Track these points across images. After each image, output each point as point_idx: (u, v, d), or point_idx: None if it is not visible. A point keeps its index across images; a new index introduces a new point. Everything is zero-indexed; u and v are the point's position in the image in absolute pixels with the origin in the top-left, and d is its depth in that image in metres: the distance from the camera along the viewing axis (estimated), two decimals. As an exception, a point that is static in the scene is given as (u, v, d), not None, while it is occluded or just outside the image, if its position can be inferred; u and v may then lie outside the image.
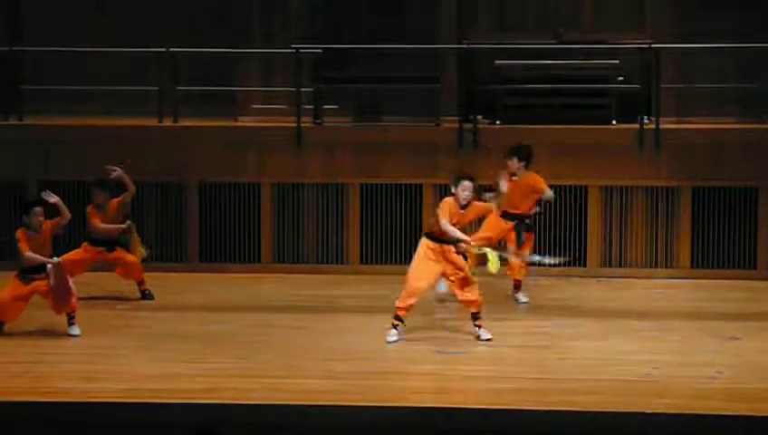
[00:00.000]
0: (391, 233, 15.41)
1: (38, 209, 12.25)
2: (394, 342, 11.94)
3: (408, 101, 15.74)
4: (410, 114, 15.75)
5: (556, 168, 15.05)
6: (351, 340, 12.12)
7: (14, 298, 12.14)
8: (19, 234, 12.16)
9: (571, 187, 15.22)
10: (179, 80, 15.70)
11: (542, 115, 15.34)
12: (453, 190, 12.03)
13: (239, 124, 16.01)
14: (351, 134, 15.55)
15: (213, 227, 15.54)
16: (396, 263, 15.23)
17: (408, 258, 15.13)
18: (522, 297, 13.85)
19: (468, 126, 15.25)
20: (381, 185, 15.37)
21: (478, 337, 12.05)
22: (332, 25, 16.61)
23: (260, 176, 15.43)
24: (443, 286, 12.64)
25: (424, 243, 12.15)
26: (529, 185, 13.51)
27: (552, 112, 15.35)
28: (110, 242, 13.72)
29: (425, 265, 12.03)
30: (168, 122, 15.65)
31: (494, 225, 13.47)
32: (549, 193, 13.57)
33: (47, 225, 12.27)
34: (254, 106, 16.22)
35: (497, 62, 15.55)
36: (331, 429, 9.85)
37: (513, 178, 13.30)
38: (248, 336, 12.22)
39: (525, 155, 13.53)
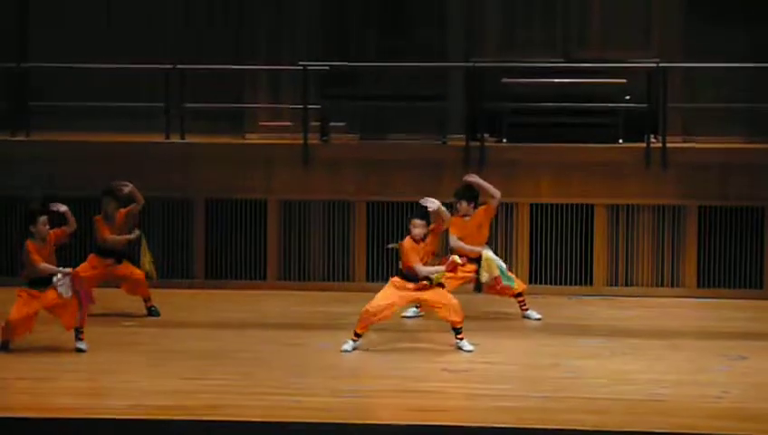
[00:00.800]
0: (397, 251, 15.35)
1: (43, 218, 12.25)
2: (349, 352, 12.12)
3: (414, 119, 15.76)
4: (417, 132, 15.76)
5: (562, 186, 15.08)
6: (356, 358, 12.09)
7: (26, 315, 12.10)
8: (29, 246, 12.15)
9: (577, 205, 15.21)
10: (186, 96, 15.72)
11: (548, 133, 15.33)
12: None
13: (246, 141, 16.02)
14: (358, 151, 15.56)
15: (219, 244, 15.54)
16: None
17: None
18: (534, 314, 13.83)
19: (475, 144, 15.25)
20: (388, 202, 15.36)
21: (459, 348, 12.22)
22: (340, 43, 16.64)
23: (266, 193, 15.45)
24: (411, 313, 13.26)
25: (392, 282, 12.37)
26: (480, 217, 13.65)
27: (558, 131, 15.35)
28: (117, 253, 13.72)
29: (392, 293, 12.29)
30: (174, 139, 15.67)
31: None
32: (497, 193, 13.67)
33: (52, 235, 12.27)
34: (262, 123, 16.24)
35: (504, 80, 15.55)
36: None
37: (466, 218, 13.57)
38: (253, 353, 12.20)
39: (473, 196, 13.71)
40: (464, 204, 13.66)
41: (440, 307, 12.33)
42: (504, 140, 15.47)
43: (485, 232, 13.75)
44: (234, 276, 15.50)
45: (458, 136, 15.50)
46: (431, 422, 10.07)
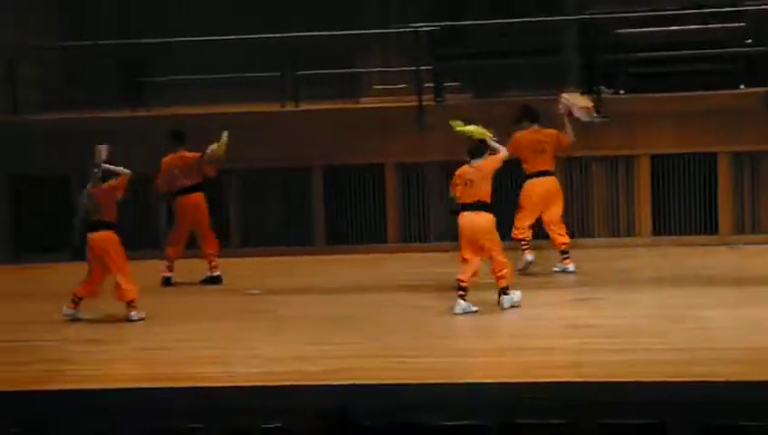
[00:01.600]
0: (515, 209, 15.23)
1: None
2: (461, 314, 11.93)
3: (529, 75, 15.56)
4: (532, 87, 15.56)
5: (683, 135, 14.80)
6: (479, 317, 12.01)
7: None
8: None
9: (699, 154, 14.91)
10: (299, 64, 15.72)
11: (667, 82, 15.03)
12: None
13: (360, 106, 15.99)
14: (473, 110, 15.40)
15: (338, 210, 15.55)
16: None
17: (535, 232, 15.07)
18: (570, 266, 13.61)
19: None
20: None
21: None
22: (450, 1, 16.47)
23: (383, 156, 15.39)
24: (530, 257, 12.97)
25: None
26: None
27: (677, 79, 15.04)
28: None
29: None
30: (289, 107, 15.69)
31: None
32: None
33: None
34: (375, 87, 16.19)
35: (619, 30, 15.27)
36: (463, 407, 9.74)
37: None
38: (376, 317, 12.18)
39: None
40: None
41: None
42: (622, 92, 15.20)
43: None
44: (354, 241, 15.51)
45: (574, 89, 15.25)
46: (562, 379, 9.96)
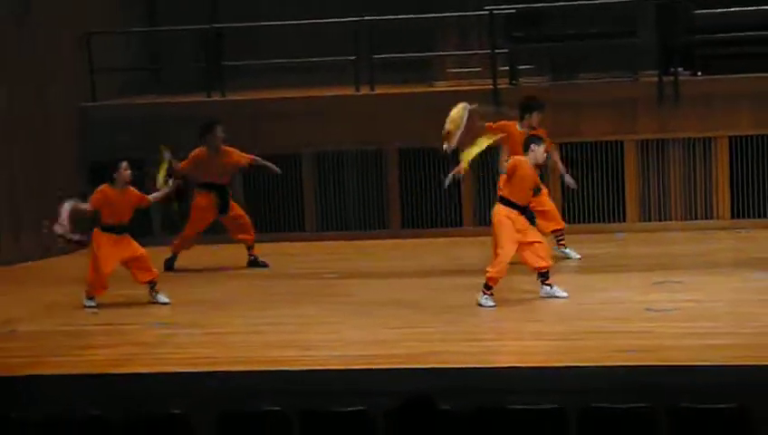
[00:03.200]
0: (593, 191, 15.21)
1: (125, 163, 12.43)
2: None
3: (604, 57, 15.49)
4: (608, 70, 15.49)
5: (763, 117, 14.65)
6: (556, 301, 11.99)
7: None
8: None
9: (779, 135, 14.77)
10: (375, 48, 15.77)
11: (745, 64, 14.88)
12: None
13: (435, 89, 16.00)
14: (549, 93, 15.36)
15: (414, 193, 15.59)
16: (597, 221, 15.12)
17: (609, 217, 15.04)
18: (573, 253, 13.54)
19: (668, 79, 14.91)
20: (581, 143, 15.17)
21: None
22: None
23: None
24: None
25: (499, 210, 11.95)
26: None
27: (755, 60, 14.88)
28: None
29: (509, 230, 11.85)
30: (365, 91, 15.75)
31: None
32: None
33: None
34: (450, 70, 16.19)
35: (697, 11, 15.14)
36: (543, 390, 9.76)
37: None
38: (455, 300, 12.19)
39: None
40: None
41: None
42: (699, 74, 15.08)
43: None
44: (429, 225, 15.54)
45: (651, 72, 15.18)
46: (640, 363, 9.95)
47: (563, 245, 13.61)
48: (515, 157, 12.13)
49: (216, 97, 16.08)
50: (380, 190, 15.67)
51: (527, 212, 12.08)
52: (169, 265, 14.08)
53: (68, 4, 15.83)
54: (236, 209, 14.16)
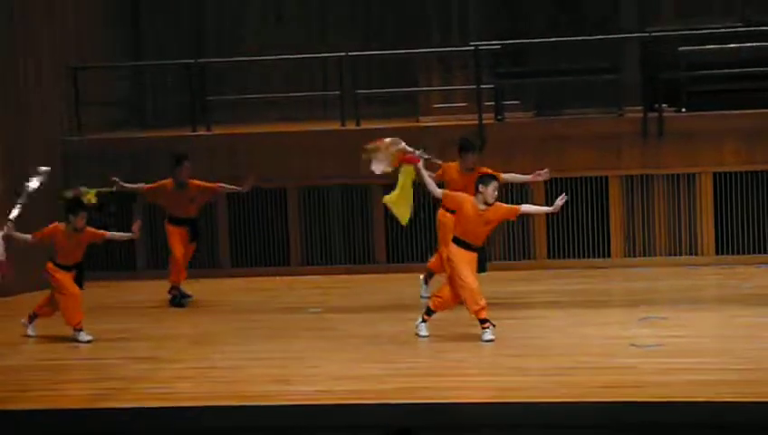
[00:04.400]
0: (577, 226, 15.20)
1: (83, 213, 12.46)
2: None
3: (589, 93, 15.53)
4: (593, 106, 15.53)
5: (746, 153, 14.68)
6: (543, 335, 11.97)
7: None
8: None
9: (762, 172, 14.78)
10: (359, 83, 15.78)
11: (729, 100, 14.93)
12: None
13: (421, 124, 16.00)
14: (534, 129, 15.40)
15: (399, 228, 15.53)
16: (583, 257, 15.10)
17: (594, 253, 15.02)
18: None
19: (653, 115, 14.95)
20: (566, 178, 15.16)
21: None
22: (510, 20, 16.48)
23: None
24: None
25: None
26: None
27: (740, 97, 14.93)
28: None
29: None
30: (350, 126, 15.74)
31: None
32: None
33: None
34: (435, 105, 16.20)
35: (681, 48, 15.19)
36: (527, 425, 9.73)
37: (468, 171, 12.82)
38: (436, 334, 12.13)
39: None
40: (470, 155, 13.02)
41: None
42: (684, 110, 15.12)
43: None
44: (414, 259, 15.50)
45: (635, 108, 15.22)
46: (624, 399, 9.89)
47: None
48: (459, 194, 12.04)
49: (202, 131, 16.05)
50: (366, 225, 15.64)
51: (481, 254, 11.95)
52: (177, 301, 13.98)
53: (53, 36, 15.82)
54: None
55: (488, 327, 11.71)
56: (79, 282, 12.53)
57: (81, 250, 12.57)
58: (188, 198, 13.90)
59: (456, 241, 11.85)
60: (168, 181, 13.92)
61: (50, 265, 12.54)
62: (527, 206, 12.88)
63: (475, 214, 11.74)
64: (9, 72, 15.22)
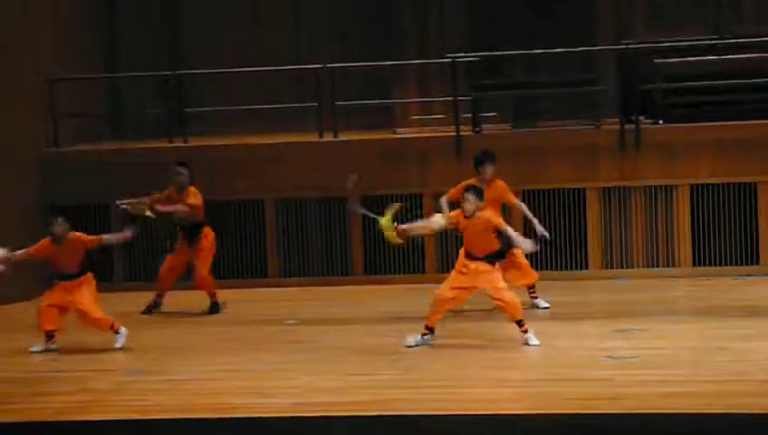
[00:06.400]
0: (554, 238, 15.21)
1: (59, 219, 12.39)
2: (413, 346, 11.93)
3: (566, 105, 15.57)
4: (569, 117, 15.57)
5: (723, 165, 14.75)
6: (519, 347, 11.96)
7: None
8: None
9: (739, 184, 14.84)
10: (337, 94, 15.79)
11: (705, 112, 14.99)
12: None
13: (398, 136, 16.02)
14: (511, 141, 15.43)
15: (378, 240, 15.54)
16: (559, 269, 15.12)
17: (572, 264, 15.05)
18: (542, 303, 13.52)
19: (630, 126, 14.99)
20: (543, 190, 15.20)
21: (526, 342, 11.86)
22: (487, 32, 16.53)
23: (421, 186, 15.40)
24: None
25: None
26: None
27: (716, 109, 15.00)
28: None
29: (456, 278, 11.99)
30: (328, 137, 15.74)
31: None
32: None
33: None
34: (413, 117, 16.23)
35: (657, 60, 15.25)
36: (503, 438, 9.72)
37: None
38: (417, 347, 12.12)
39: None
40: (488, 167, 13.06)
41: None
42: (660, 122, 15.17)
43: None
44: (393, 271, 15.50)
45: (612, 120, 15.27)
46: (600, 411, 9.89)
47: (535, 297, 13.58)
48: (454, 213, 12.15)
49: (179, 143, 16.02)
50: (343, 237, 15.63)
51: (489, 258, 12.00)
52: (215, 309, 14.11)
53: (29, 48, 15.78)
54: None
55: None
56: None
57: (75, 259, 12.49)
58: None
59: (466, 253, 12.03)
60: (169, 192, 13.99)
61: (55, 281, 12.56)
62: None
63: (464, 223, 11.94)
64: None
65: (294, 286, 15.48)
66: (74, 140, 16.50)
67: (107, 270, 15.55)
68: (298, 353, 12.16)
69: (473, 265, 11.93)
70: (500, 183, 13.17)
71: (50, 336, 12.59)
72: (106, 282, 15.38)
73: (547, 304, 13.51)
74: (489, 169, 13.09)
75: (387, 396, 10.49)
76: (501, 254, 12.22)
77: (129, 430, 10.09)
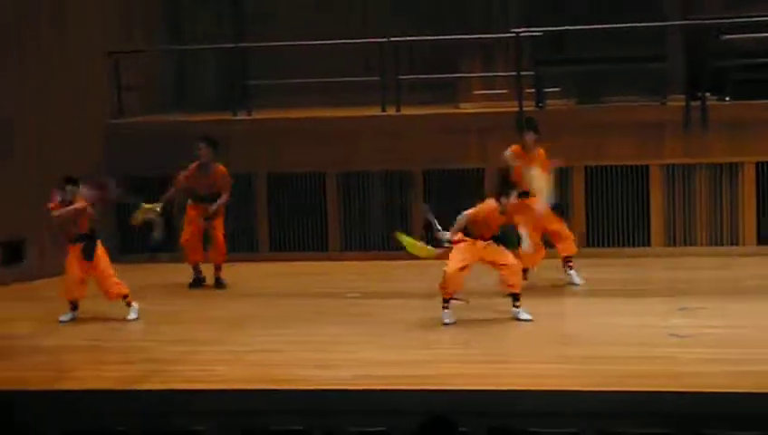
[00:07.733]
0: (617, 215, 15.14)
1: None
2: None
3: (632, 81, 15.43)
4: (635, 94, 15.43)
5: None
6: (578, 324, 11.93)
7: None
8: None
9: (807, 162, 14.67)
10: (401, 69, 15.76)
11: (773, 88, 14.80)
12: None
13: (461, 111, 15.97)
14: (574, 116, 15.33)
15: (438, 214, 15.50)
16: (621, 245, 15.04)
17: (634, 241, 14.95)
18: (576, 278, 13.43)
19: (695, 103, 14.84)
20: (606, 167, 15.10)
21: (516, 317, 11.98)
22: (552, 6, 16.38)
23: (482, 161, 15.34)
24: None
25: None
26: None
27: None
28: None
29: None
30: (390, 111, 15.72)
31: None
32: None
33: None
34: (476, 92, 16.16)
35: (725, 36, 15.05)
36: (561, 414, 9.70)
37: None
38: (477, 322, 12.13)
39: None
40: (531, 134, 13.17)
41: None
42: (728, 99, 14.99)
43: None
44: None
45: (678, 96, 15.11)
46: (661, 389, 9.85)
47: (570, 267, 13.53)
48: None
49: (242, 116, 16.08)
50: (404, 211, 15.63)
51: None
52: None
53: (94, 21, 15.89)
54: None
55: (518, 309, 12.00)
56: (89, 254, 12.63)
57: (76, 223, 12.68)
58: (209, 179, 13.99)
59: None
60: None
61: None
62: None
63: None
64: (55, 54, 15.30)
65: (355, 260, 15.49)
66: (139, 111, 16.60)
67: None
68: (359, 326, 12.20)
69: (480, 243, 12.02)
70: (541, 151, 13.12)
71: (75, 307, 12.76)
72: (171, 252, 15.40)
73: (581, 280, 13.43)
74: (530, 137, 13.08)
75: (450, 371, 10.51)
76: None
77: (189, 398, 10.17)
